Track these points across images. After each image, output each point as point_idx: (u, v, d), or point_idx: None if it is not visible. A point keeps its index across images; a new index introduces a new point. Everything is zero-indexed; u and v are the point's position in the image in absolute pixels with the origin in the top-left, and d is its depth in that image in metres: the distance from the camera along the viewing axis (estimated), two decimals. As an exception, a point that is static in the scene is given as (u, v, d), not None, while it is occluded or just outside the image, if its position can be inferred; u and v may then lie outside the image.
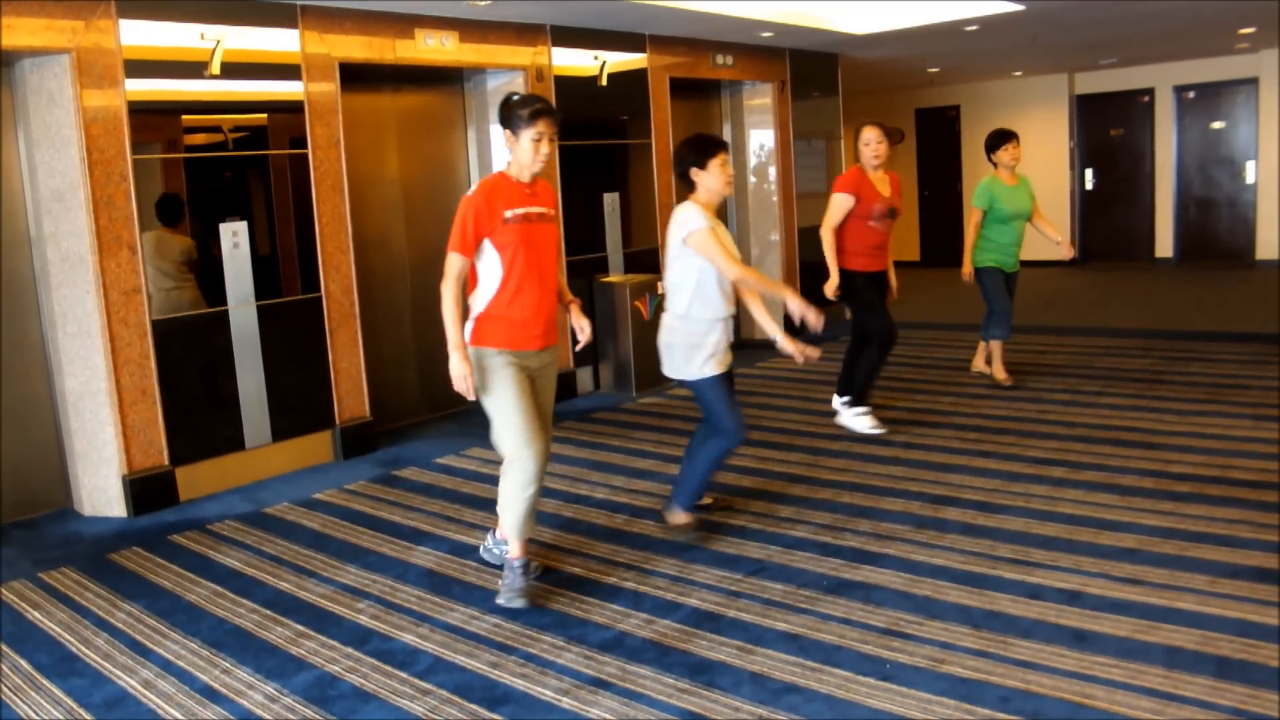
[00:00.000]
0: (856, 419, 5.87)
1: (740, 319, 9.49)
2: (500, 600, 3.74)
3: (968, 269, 6.69)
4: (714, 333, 4.21)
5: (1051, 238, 6.83)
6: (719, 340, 4.22)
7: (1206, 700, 2.83)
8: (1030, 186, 6.77)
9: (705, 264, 4.17)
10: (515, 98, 3.71)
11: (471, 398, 3.65)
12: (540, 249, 3.72)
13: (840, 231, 5.75)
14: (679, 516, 4.39)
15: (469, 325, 3.72)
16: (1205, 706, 2.80)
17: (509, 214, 3.63)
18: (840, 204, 5.71)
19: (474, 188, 3.70)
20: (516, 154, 3.68)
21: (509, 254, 3.64)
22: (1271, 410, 5.75)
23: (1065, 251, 6.84)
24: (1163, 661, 3.05)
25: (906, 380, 7.08)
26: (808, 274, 9.53)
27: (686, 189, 4.35)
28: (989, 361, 6.95)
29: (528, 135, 3.63)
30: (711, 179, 4.22)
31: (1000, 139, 6.65)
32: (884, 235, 5.82)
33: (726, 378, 4.26)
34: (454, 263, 3.62)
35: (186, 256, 5.37)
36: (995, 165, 6.69)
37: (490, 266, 3.67)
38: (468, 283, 3.73)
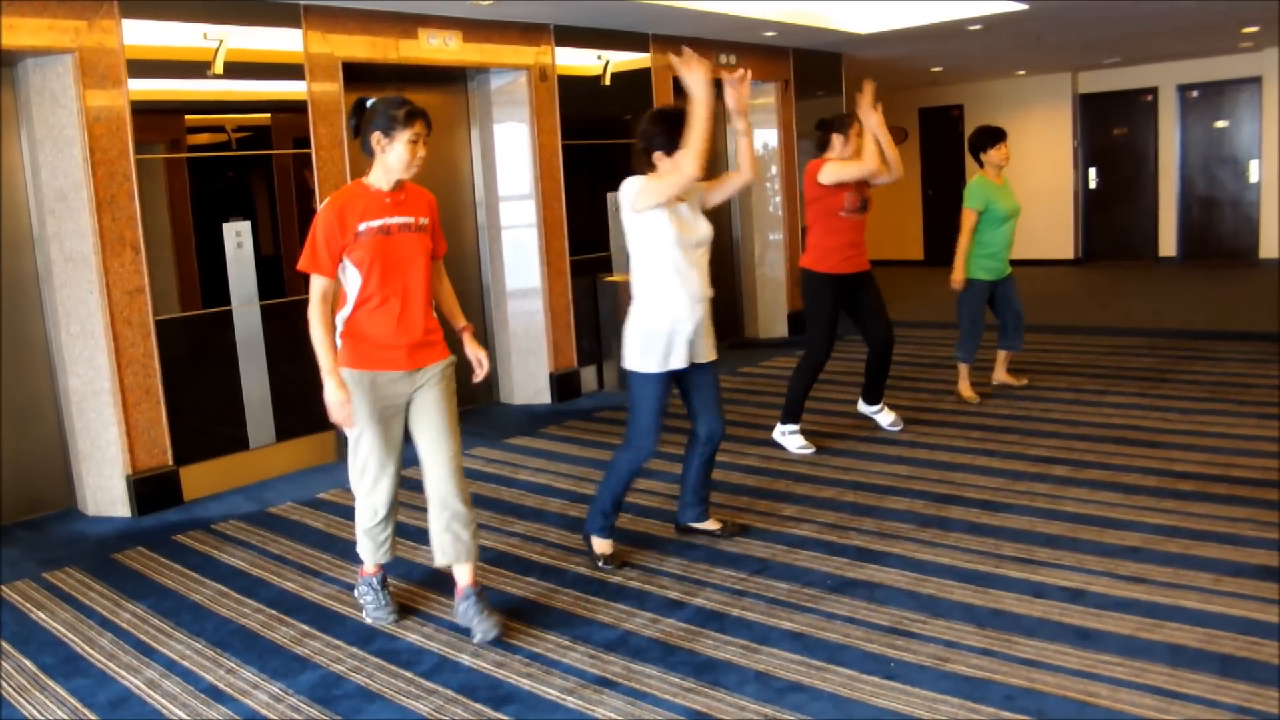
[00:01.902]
0: (789, 437, 5.61)
1: (743, 318, 9.53)
2: (368, 619, 3.70)
3: (960, 276, 6.25)
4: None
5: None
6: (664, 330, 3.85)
7: (1210, 698, 2.83)
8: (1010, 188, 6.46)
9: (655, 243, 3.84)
10: (378, 100, 3.48)
11: (348, 427, 3.44)
12: (404, 262, 3.41)
13: (810, 232, 5.47)
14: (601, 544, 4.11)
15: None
16: (1209, 704, 2.80)
17: (363, 226, 3.35)
18: (836, 167, 5.27)
19: (326, 201, 3.42)
20: (386, 159, 3.39)
21: (364, 269, 3.36)
22: (1275, 409, 5.75)
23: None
24: (1166, 659, 3.05)
25: (910, 379, 7.07)
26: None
27: (644, 167, 3.99)
28: (1009, 371, 6.70)
29: (404, 137, 3.37)
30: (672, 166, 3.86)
31: (993, 137, 6.26)
32: (858, 232, 5.43)
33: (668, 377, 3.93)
34: (315, 284, 3.35)
35: None
36: (982, 165, 6.34)
37: (351, 283, 3.41)
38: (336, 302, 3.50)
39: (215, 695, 3.21)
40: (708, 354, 4.04)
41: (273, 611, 3.84)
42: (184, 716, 3.10)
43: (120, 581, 4.24)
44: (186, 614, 3.86)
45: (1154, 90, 12.73)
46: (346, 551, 4.44)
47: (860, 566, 3.92)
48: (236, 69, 5.43)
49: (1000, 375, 6.71)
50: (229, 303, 5.49)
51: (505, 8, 6.38)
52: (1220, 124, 12.44)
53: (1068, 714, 2.81)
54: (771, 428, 5.77)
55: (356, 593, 3.81)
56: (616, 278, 7.48)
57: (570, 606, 3.72)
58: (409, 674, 3.28)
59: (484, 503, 5.00)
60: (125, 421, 5.10)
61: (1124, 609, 3.40)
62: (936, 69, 12.06)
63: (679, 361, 3.91)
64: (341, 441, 5.95)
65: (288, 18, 5.63)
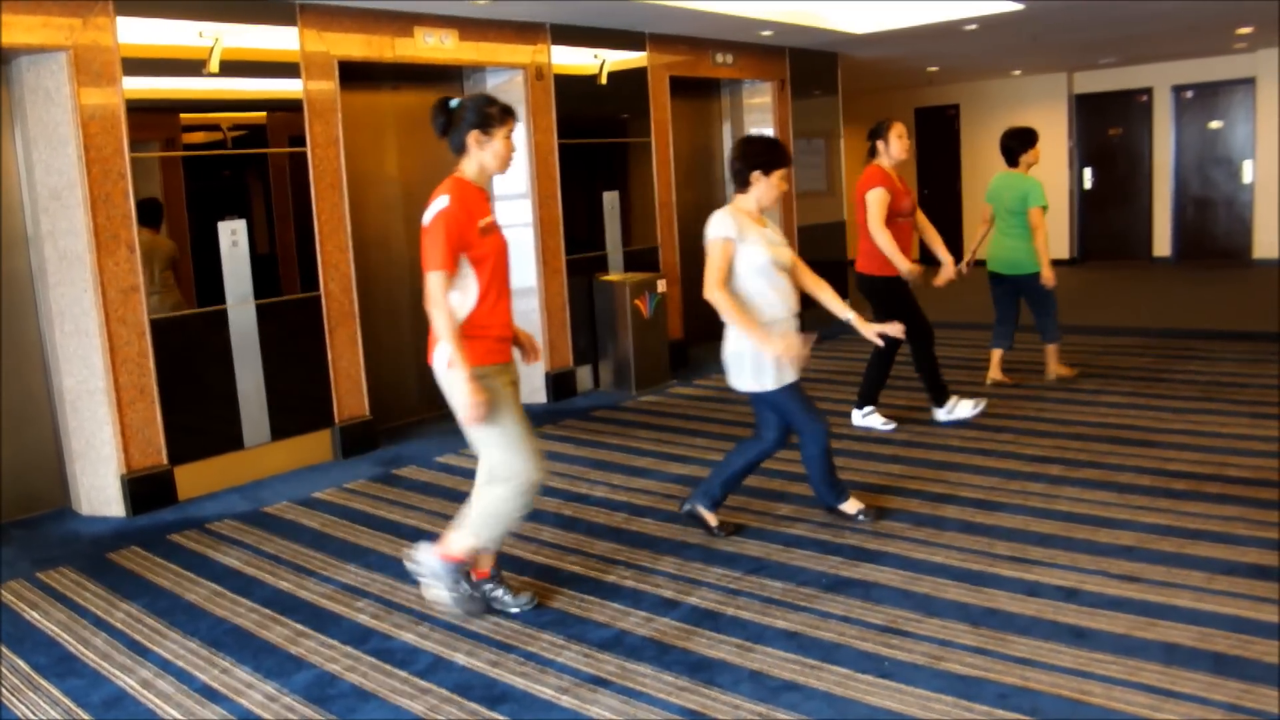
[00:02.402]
0: (957, 410, 5.90)
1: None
2: (456, 611, 3.63)
3: (1050, 273, 6.40)
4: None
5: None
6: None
7: (1203, 696, 2.84)
8: None
9: (748, 262, 4.07)
10: (466, 99, 3.51)
11: (482, 424, 3.43)
12: (505, 258, 3.57)
13: (868, 235, 5.66)
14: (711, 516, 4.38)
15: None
16: (1202, 702, 2.81)
17: (482, 223, 3.46)
18: (880, 199, 5.58)
19: (445, 199, 3.42)
20: (484, 157, 3.48)
21: (486, 266, 3.44)
22: (1268, 408, 5.76)
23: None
24: (1160, 658, 3.06)
25: (905, 379, 7.07)
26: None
27: (738, 186, 4.23)
28: (1060, 363, 6.83)
29: (503, 133, 3.46)
30: (768, 189, 4.14)
31: (1030, 139, 6.56)
32: (907, 231, 5.75)
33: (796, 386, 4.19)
34: (440, 282, 3.37)
35: (169, 261, 5.36)
36: (1017, 165, 6.55)
37: (468, 281, 3.46)
38: None
39: (209, 695, 3.21)
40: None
41: (267, 611, 3.84)
42: (178, 716, 3.09)
43: (115, 581, 4.23)
44: (181, 613, 3.85)
45: (1149, 91, 12.76)
46: (341, 551, 4.44)
47: (855, 565, 3.92)
48: (232, 67, 5.42)
49: (996, 374, 6.78)
50: (224, 301, 5.48)
51: (501, 6, 6.38)
52: (1215, 124, 12.47)
53: (1061, 712, 2.81)
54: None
55: (439, 589, 3.60)
56: (613, 277, 7.47)
57: (565, 606, 3.72)
58: (404, 673, 3.28)
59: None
60: (120, 421, 5.10)
61: (1118, 608, 3.41)
62: (932, 69, 12.07)
63: (790, 375, 4.16)
64: (339, 442, 5.96)
65: (283, 16, 5.63)
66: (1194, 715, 2.76)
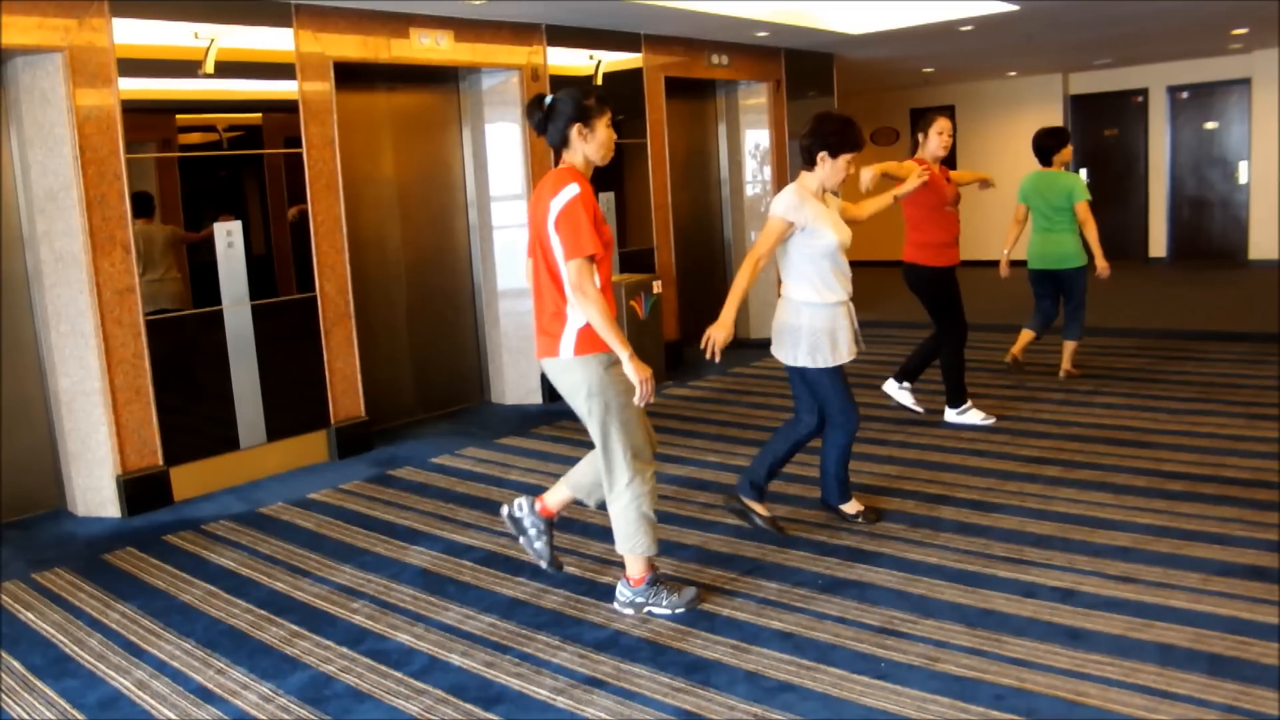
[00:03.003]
0: (967, 415, 5.90)
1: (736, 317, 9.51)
2: (689, 603, 3.62)
3: (1105, 263, 6.73)
4: (833, 319, 4.10)
5: None
6: (836, 328, 4.11)
7: (1199, 697, 2.84)
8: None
9: (815, 244, 4.04)
10: (562, 93, 3.50)
11: (652, 400, 3.44)
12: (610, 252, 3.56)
13: (920, 227, 5.71)
14: (851, 505, 4.43)
15: (573, 336, 3.44)
16: (1198, 704, 2.81)
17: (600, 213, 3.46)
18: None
19: (575, 186, 3.38)
20: (587, 147, 3.48)
21: (608, 256, 3.46)
22: (1264, 409, 5.77)
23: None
24: (1156, 659, 3.06)
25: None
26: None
27: (804, 163, 4.17)
28: (1073, 362, 6.94)
29: (604, 122, 3.49)
30: (833, 172, 4.07)
31: (1064, 139, 6.62)
32: (955, 223, 5.78)
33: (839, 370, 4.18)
34: (588, 268, 3.34)
35: (168, 246, 5.34)
36: (1051, 163, 6.62)
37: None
38: (557, 291, 3.46)
39: (205, 696, 3.20)
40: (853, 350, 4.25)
41: (262, 612, 3.83)
42: (173, 717, 3.09)
43: (110, 582, 4.22)
44: (176, 614, 3.85)
45: (1144, 91, 12.78)
46: (337, 552, 4.43)
47: (850, 566, 3.92)
48: (227, 68, 5.41)
49: (1018, 351, 6.99)
50: (220, 302, 5.48)
51: (497, 7, 6.37)
52: (1210, 125, 12.49)
53: (1057, 713, 2.81)
54: (761, 428, 5.77)
55: (640, 599, 3.62)
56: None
57: (560, 606, 3.72)
58: (399, 674, 3.28)
59: (475, 502, 5.00)
60: (115, 422, 5.09)
61: (1114, 609, 3.41)
62: (928, 70, 12.09)
63: (845, 355, 4.17)
64: (334, 443, 5.95)
65: (279, 17, 5.62)
66: (1190, 717, 2.76)
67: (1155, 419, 5.74)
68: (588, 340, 3.43)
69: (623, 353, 3.37)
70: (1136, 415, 5.84)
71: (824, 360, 4.10)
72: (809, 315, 4.09)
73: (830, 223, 4.07)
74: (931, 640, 3.28)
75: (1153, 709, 2.80)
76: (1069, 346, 6.83)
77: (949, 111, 13.93)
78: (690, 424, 6.28)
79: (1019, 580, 3.69)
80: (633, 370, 3.37)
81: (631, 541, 3.56)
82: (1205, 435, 5.36)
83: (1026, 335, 6.91)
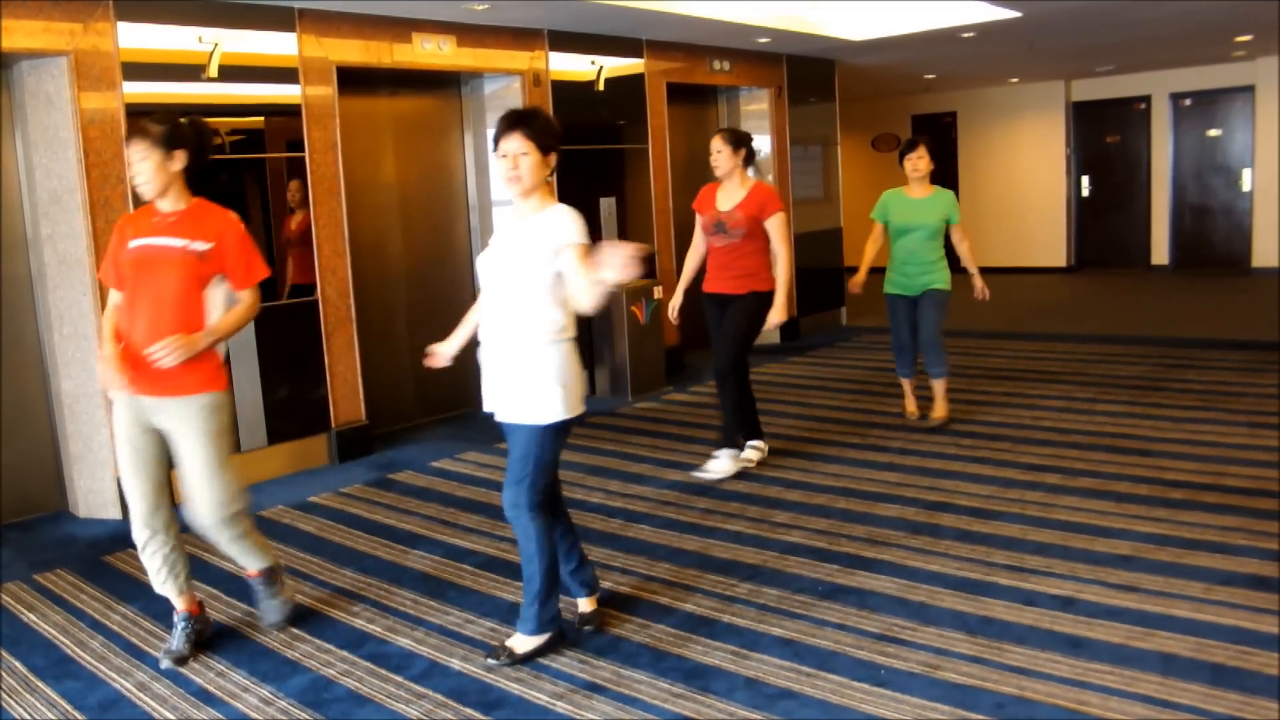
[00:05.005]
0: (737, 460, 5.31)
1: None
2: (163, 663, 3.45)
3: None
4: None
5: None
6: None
7: (1201, 707, 2.84)
8: (944, 202, 6.05)
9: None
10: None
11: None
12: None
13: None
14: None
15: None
16: (1200, 713, 2.81)
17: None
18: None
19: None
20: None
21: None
22: (1267, 417, 5.77)
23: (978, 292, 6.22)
24: (1157, 668, 3.06)
25: (900, 386, 7.08)
26: (804, 278, 9.56)
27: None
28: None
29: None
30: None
31: (909, 145, 6.07)
32: (723, 253, 5.23)
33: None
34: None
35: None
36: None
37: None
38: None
39: (205, 698, 3.20)
40: None
41: (263, 615, 3.84)
42: (174, 719, 3.09)
43: (111, 584, 4.23)
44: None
45: (1147, 98, 12.78)
46: (337, 555, 4.44)
47: (851, 573, 3.92)
48: (231, 72, 5.42)
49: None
50: (222, 306, 5.48)
51: (499, 12, 6.38)
52: (1213, 132, 12.49)
53: (1057, 722, 2.81)
54: (766, 433, 5.75)
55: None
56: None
57: (561, 611, 3.71)
58: (399, 678, 3.28)
59: (473, 507, 5.00)
60: (117, 424, 5.09)
61: (1115, 617, 3.41)
62: (930, 76, 12.09)
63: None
64: (335, 447, 5.95)
65: (282, 22, 5.63)
66: (1190, 725, 2.76)
67: (1157, 427, 5.74)
68: (219, 376, 3.45)
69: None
70: (1138, 423, 5.84)
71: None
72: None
73: None
74: (932, 648, 3.28)
75: (1154, 718, 2.80)
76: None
77: (950, 118, 13.96)
78: (690, 429, 6.28)
79: (1020, 588, 3.69)
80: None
81: None
82: (1207, 444, 5.35)
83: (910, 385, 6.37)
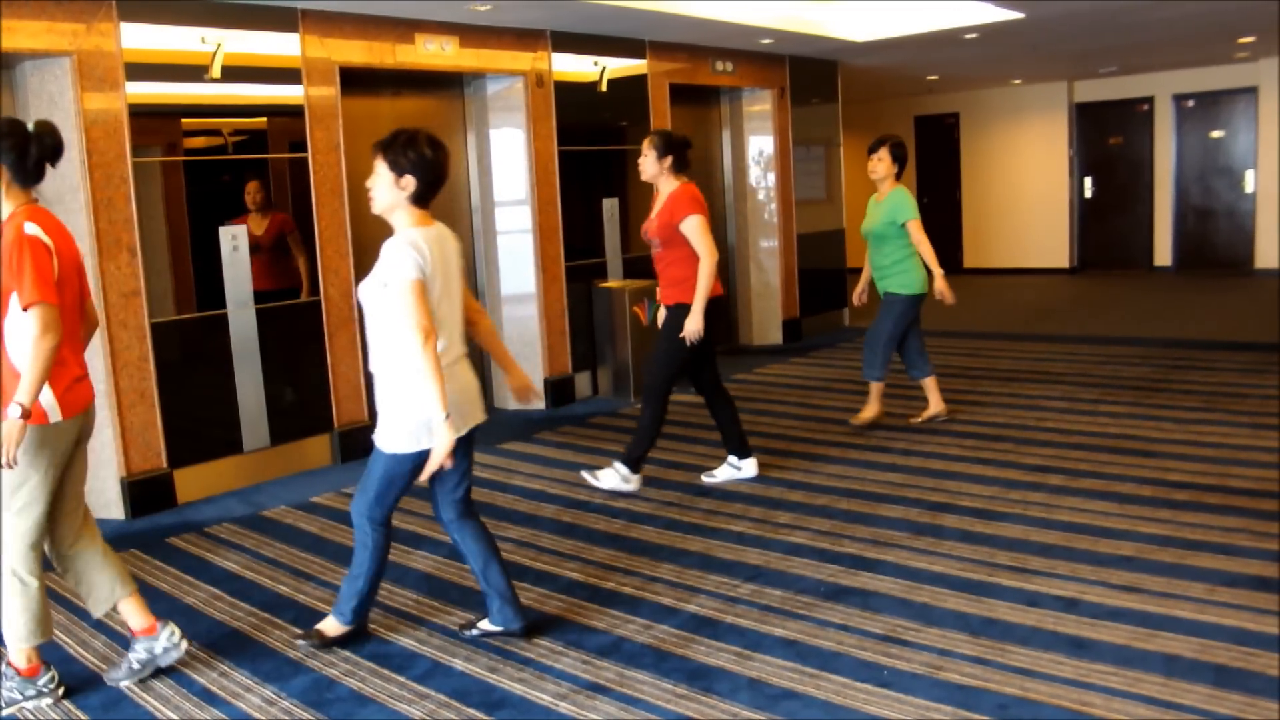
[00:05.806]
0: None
1: (738, 324, 9.53)
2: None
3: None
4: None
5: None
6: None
7: (1204, 708, 2.83)
8: (890, 203, 6.01)
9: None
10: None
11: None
12: None
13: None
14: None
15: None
16: (1203, 715, 2.80)
17: None
18: None
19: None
20: None
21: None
22: (1270, 419, 5.76)
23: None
24: (1161, 669, 3.05)
25: (903, 386, 7.07)
26: (806, 279, 9.56)
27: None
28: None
29: None
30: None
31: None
32: (656, 262, 5.07)
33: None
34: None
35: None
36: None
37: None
38: None
39: (208, 698, 3.20)
40: None
41: (266, 615, 3.83)
42: (176, 719, 3.09)
43: (113, 585, 4.22)
44: (180, 616, 3.84)
45: (1150, 100, 12.77)
46: (340, 555, 4.43)
47: (854, 574, 3.92)
48: (233, 73, 5.43)
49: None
50: (224, 306, 5.48)
51: (502, 13, 6.38)
52: (1216, 134, 12.48)
53: (1061, 723, 2.81)
54: (763, 434, 5.76)
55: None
56: (612, 284, 7.48)
57: (563, 612, 3.72)
58: (402, 678, 3.27)
59: (478, 508, 4.98)
60: (120, 424, 5.10)
61: (1118, 618, 3.41)
62: (932, 77, 12.09)
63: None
64: (337, 447, 5.95)
65: (285, 22, 5.64)
66: (1193, 726, 2.75)
67: (1160, 428, 5.73)
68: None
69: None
70: (1141, 424, 5.83)
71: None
72: None
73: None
74: (935, 649, 3.27)
75: (1157, 719, 2.79)
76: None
77: (953, 119, 13.95)
78: (693, 430, 6.28)
79: (1023, 589, 3.68)
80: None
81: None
82: (1210, 445, 5.35)
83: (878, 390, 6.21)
